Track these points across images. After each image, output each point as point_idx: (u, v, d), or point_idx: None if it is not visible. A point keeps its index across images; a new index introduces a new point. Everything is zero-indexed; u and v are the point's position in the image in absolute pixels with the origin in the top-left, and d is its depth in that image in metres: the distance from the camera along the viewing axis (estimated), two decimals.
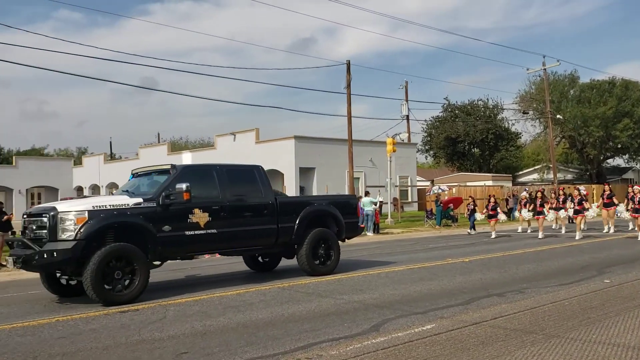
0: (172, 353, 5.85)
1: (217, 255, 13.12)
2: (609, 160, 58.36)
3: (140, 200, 9.20)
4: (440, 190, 29.88)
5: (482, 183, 41.48)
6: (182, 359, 5.62)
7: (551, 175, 43.82)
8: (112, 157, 60.05)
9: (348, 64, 27.94)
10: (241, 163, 12.55)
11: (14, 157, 53.20)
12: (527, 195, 22.68)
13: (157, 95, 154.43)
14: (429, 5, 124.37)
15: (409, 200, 39.86)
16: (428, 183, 40.84)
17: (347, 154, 28.49)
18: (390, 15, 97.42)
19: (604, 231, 20.11)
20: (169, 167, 10.07)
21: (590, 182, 47.90)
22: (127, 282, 8.70)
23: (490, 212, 20.64)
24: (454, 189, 33.75)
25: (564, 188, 21.24)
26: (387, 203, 30.28)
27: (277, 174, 34.85)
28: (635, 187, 18.25)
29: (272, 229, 10.60)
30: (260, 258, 12.36)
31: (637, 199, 17.59)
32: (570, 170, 58.05)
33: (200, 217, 9.55)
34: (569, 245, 16.52)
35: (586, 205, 19.49)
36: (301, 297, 8.94)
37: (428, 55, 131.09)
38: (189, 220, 9.45)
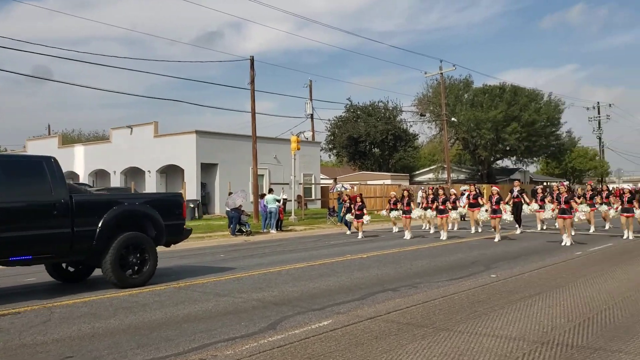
0: (56, 357, 5.52)
1: None
2: (498, 162, 62.18)
3: None
4: (342, 189, 30.45)
5: (381, 182, 42.69)
6: None
7: (446, 175, 45.95)
8: None
9: (252, 60, 27.73)
10: (29, 154, 10.75)
11: None
12: (395, 195, 22.56)
13: (51, 85, 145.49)
14: (334, 5, 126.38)
15: (313, 197, 40.28)
16: (331, 181, 41.46)
17: (251, 150, 28.28)
18: (296, 14, 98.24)
19: (472, 232, 20.32)
20: None
21: (482, 182, 50.74)
22: None
23: (357, 213, 20.56)
24: (355, 187, 34.52)
25: (433, 188, 21.51)
26: (291, 200, 30.41)
27: (178, 170, 33.96)
28: (494, 187, 18.48)
29: (64, 233, 8.92)
30: (68, 267, 10.67)
31: (494, 200, 17.72)
32: (463, 170, 61.27)
33: None
34: (459, 242, 17.37)
35: (450, 205, 19.48)
36: (198, 296, 8.74)
37: (333, 55, 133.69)
38: None
